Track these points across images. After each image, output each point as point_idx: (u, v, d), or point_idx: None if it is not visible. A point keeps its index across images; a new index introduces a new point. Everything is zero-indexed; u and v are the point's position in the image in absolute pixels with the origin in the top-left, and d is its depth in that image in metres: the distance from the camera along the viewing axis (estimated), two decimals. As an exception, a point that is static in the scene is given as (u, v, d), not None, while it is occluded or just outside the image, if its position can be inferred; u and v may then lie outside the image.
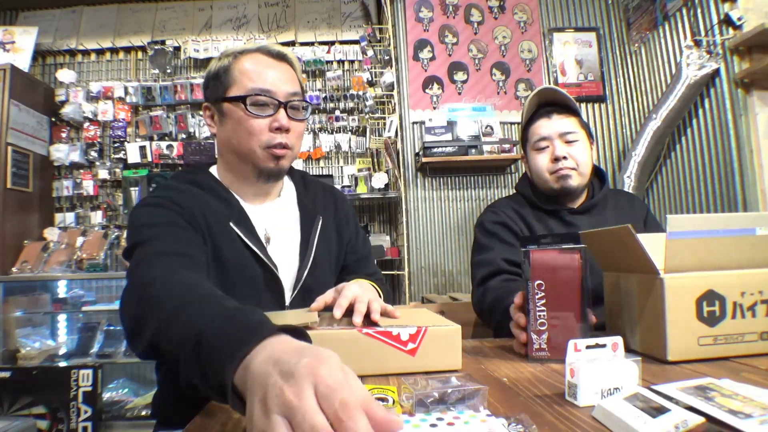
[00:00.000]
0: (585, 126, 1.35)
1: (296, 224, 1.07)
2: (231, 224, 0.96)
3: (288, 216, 1.08)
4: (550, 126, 1.31)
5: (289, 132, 0.98)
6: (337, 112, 3.00)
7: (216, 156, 1.09)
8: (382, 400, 0.55)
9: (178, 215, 0.91)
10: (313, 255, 1.03)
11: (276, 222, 1.05)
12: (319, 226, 1.07)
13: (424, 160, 2.66)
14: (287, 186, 1.13)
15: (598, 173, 1.42)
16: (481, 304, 1.22)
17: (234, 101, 0.96)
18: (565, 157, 1.29)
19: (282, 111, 0.96)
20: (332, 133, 3.00)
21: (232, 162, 1.02)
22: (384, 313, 0.82)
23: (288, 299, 1.00)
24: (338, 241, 1.12)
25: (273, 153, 0.97)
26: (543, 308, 0.81)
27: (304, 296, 0.98)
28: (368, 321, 0.81)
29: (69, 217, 2.94)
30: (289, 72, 1.01)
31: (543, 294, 0.81)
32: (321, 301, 0.86)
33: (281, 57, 1.00)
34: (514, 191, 1.48)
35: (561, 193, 1.33)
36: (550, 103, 1.35)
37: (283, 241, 1.03)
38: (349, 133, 3.00)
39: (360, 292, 0.84)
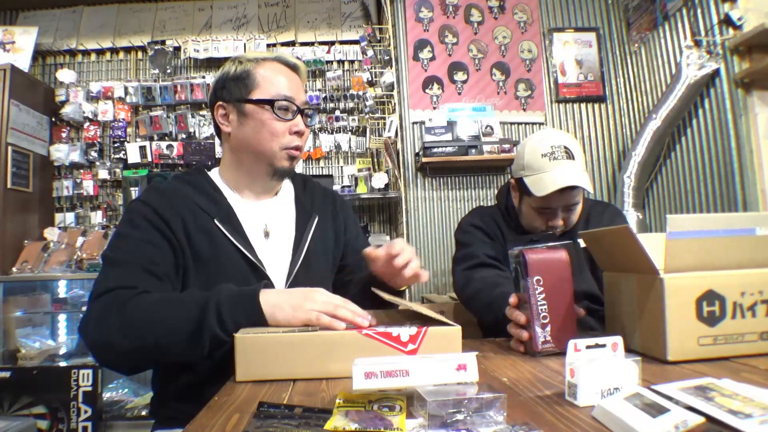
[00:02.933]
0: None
1: (291, 221, 1.11)
2: (216, 222, 1.00)
3: (284, 213, 1.12)
4: (560, 201, 1.26)
5: (303, 135, 1.07)
6: (337, 112, 3.00)
7: (221, 154, 1.14)
8: (389, 407, 0.55)
9: (153, 228, 0.97)
10: (305, 251, 1.07)
11: (273, 218, 1.09)
12: (315, 224, 1.12)
13: (424, 160, 2.66)
14: (285, 186, 1.17)
15: None
16: (463, 290, 1.27)
17: (260, 103, 1.02)
18: (561, 225, 1.30)
19: (299, 116, 1.05)
20: (332, 133, 3.00)
21: (246, 160, 1.07)
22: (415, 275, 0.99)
23: (283, 287, 1.04)
24: (335, 240, 1.17)
25: (290, 153, 1.05)
26: (544, 302, 0.84)
27: (298, 285, 1.02)
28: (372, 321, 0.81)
29: (69, 217, 2.94)
30: (300, 82, 1.10)
31: (542, 289, 0.84)
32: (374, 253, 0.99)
33: (295, 68, 1.09)
34: (495, 202, 1.50)
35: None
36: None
37: (278, 237, 1.08)
38: (349, 133, 3.00)
39: (408, 248, 0.99)
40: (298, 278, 1.04)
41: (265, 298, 0.84)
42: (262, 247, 1.04)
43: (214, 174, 1.12)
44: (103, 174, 2.94)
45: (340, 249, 1.19)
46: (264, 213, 1.09)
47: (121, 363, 0.90)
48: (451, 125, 2.78)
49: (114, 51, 3.10)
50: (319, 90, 3.04)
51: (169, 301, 0.87)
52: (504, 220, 1.42)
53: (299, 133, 1.05)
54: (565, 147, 1.26)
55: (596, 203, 1.49)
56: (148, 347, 0.84)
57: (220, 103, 1.07)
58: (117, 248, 0.96)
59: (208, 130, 2.94)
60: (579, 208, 1.32)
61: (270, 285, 0.96)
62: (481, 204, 2.86)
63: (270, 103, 1.02)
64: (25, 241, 2.68)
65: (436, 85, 2.89)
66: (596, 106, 2.95)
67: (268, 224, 1.07)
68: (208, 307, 0.83)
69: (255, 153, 1.05)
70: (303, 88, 1.10)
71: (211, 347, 0.83)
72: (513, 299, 0.90)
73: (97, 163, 2.96)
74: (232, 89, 1.05)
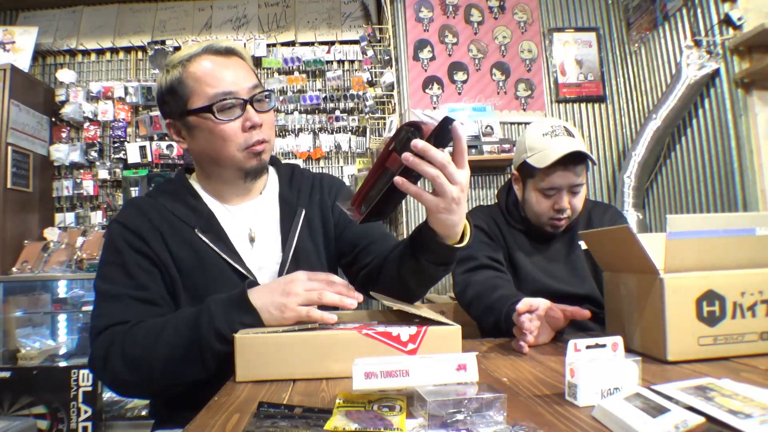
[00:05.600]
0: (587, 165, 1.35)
1: (277, 222, 1.05)
2: (197, 232, 0.96)
3: (268, 214, 1.06)
4: (564, 178, 1.27)
5: (262, 126, 0.96)
6: (337, 112, 3.00)
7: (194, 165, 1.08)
8: (389, 407, 0.55)
9: (135, 251, 0.94)
10: (293, 249, 1.02)
11: (258, 219, 1.04)
12: (301, 220, 1.05)
13: (424, 160, 2.66)
14: (271, 182, 1.11)
15: None
16: (463, 295, 1.26)
17: (199, 112, 0.93)
18: (567, 208, 1.30)
19: (250, 108, 0.94)
20: (332, 133, 3.00)
21: (212, 170, 1.02)
22: None
23: None
24: (324, 230, 1.09)
25: (253, 151, 0.96)
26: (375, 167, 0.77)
27: None
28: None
29: (69, 217, 2.94)
30: (243, 65, 0.98)
31: (395, 148, 0.74)
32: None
33: (230, 52, 0.97)
34: (495, 202, 1.51)
35: (549, 234, 1.36)
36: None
37: (266, 238, 1.03)
38: (349, 133, 3.00)
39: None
40: None
41: (255, 303, 0.83)
42: (249, 253, 0.99)
43: (194, 179, 1.07)
44: (103, 174, 2.94)
45: (331, 234, 1.10)
46: (247, 217, 1.03)
47: (142, 394, 0.92)
48: (451, 125, 2.77)
49: (114, 51, 3.10)
50: (319, 90, 3.04)
51: (163, 331, 0.84)
52: (505, 220, 1.42)
53: (255, 127, 0.94)
54: (565, 127, 1.30)
55: (597, 204, 1.49)
56: (159, 378, 0.85)
57: (168, 120, 0.99)
58: (105, 279, 0.93)
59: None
60: (583, 193, 1.33)
61: (254, 283, 0.90)
62: (481, 204, 2.85)
63: (208, 108, 0.91)
64: (25, 241, 2.68)
65: (436, 85, 2.89)
66: (596, 106, 2.95)
67: (253, 228, 1.02)
68: (201, 325, 0.81)
69: (216, 162, 0.98)
70: (248, 71, 0.97)
71: (218, 361, 0.82)
72: (522, 306, 0.90)
73: (97, 163, 2.96)
74: (171, 104, 0.96)
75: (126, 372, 0.85)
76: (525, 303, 0.91)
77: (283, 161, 1.18)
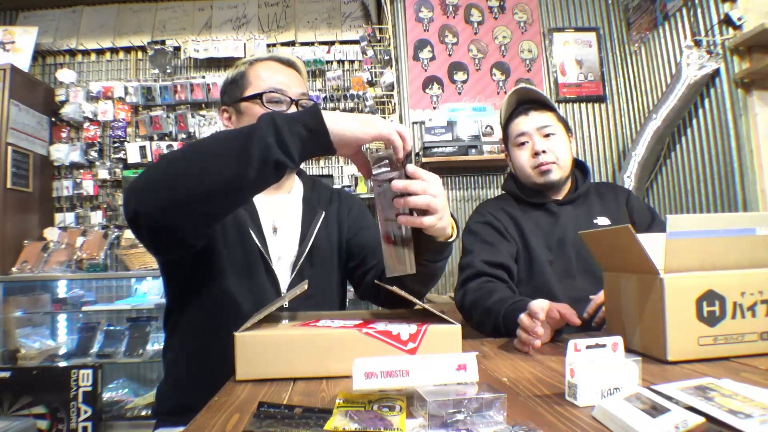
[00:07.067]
0: (562, 120, 1.41)
1: (298, 218, 1.15)
2: (242, 209, 1.06)
3: (292, 210, 1.16)
4: (528, 122, 1.37)
5: None
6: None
7: None
8: (389, 407, 0.55)
9: None
10: (310, 245, 1.10)
11: (282, 214, 1.13)
12: (321, 220, 1.15)
13: (424, 160, 2.66)
14: (297, 186, 1.21)
15: (581, 167, 1.47)
16: (462, 304, 1.28)
17: (251, 99, 1.06)
18: (544, 151, 1.34)
19: (294, 107, 1.07)
20: (332, 133, 2.99)
21: None
22: None
23: (288, 280, 1.08)
24: (338, 233, 1.19)
25: None
26: (379, 222, 0.83)
27: (302, 279, 1.06)
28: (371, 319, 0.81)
29: (69, 217, 2.94)
30: (298, 77, 1.13)
31: (381, 205, 0.82)
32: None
33: (290, 64, 1.13)
34: (502, 192, 1.52)
35: (544, 187, 1.38)
36: (527, 101, 1.41)
37: (287, 231, 1.12)
38: (349, 133, 3.00)
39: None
40: (302, 272, 1.08)
41: (326, 113, 0.78)
42: (271, 240, 1.08)
43: None
44: (103, 174, 2.94)
45: (344, 238, 1.19)
46: (274, 209, 1.12)
47: (164, 196, 0.77)
48: (451, 125, 2.78)
49: (114, 51, 3.10)
50: (319, 90, 3.04)
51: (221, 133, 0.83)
52: (516, 201, 1.43)
53: None
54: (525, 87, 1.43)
55: (604, 183, 1.56)
56: (190, 168, 0.76)
57: (223, 107, 1.13)
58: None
59: (208, 130, 2.94)
60: (562, 139, 1.38)
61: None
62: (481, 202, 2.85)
63: (259, 96, 1.05)
64: (25, 241, 2.68)
65: (436, 85, 2.89)
66: (596, 106, 2.95)
67: (276, 221, 1.11)
68: (261, 120, 0.76)
69: None
70: (300, 82, 1.12)
71: (261, 164, 0.73)
72: (534, 307, 0.89)
73: (97, 163, 2.96)
74: (230, 93, 1.11)
75: (158, 166, 0.79)
76: (536, 307, 0.91)
77: None
